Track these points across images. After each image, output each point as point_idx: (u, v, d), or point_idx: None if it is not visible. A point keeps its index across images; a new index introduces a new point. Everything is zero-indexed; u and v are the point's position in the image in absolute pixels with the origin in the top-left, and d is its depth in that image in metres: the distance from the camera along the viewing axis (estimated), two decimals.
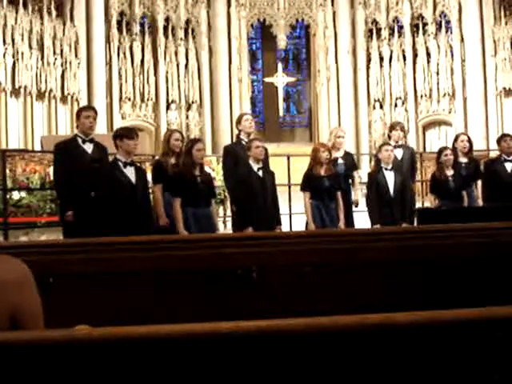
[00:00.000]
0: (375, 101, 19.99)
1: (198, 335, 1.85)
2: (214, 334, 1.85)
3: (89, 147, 6.98)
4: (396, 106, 19.83)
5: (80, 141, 6.97)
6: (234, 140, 9.63)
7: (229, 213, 9.57)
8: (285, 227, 8.42)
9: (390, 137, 8.92)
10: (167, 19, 19.53)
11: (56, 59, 17.19)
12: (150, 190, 7.44)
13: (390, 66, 19.89)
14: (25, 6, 16.82)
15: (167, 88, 19.28)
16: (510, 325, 1.99)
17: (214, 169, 12.08)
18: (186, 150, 7.22)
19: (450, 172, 8.25)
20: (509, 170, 8.28)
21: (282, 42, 20.41)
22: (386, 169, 7.98)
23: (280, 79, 20.87)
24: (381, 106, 19.96)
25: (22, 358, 1.80)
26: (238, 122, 8.21)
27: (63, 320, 2.31)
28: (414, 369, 1.96)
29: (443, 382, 1.97)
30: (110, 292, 4.02)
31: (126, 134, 6.79)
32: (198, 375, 1.86)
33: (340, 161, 8.44)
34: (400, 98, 19.79)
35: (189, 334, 1.85)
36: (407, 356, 1.96)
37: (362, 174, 13.77)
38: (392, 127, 9.05)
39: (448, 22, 19.61)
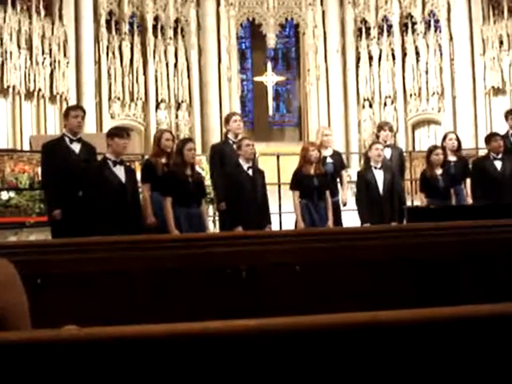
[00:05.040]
0: (365, 100, 20.03)
1: (185, 335, 1.84)
2: (202, 334, 1.84)
3: (76, 147, 6.95)
4: (385, 104, 19.88)
5: (67, 140, 6.95)
6: (222, 139, 9.62)
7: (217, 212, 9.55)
8: (274, 226, 8.42)
9: (378, 137, 8.93)
10: (156, 18, 19.50)
11: (45, 59, 17.14)
12: (140, 190, 7.42)
13: (380, 65, 19.93)
14: (13, 5, 16.77)
15: (156, 87, 19.25)
16: (498, 322, 2.00)
17: (204, 168, 12.06)
18: (177, 149, 7.23)
19: (439, 171, 8.27)
20: (499, 169, 8.30)
21: (271, 41, 20.42)
22: (376, 167, 7.99)
23: (269, 78, 20.87)
24: (370, 105, 19.99)
25: (8, 359, 1.78)
26: (226, 121, 8.21)
27: (52, 320, 2.30)
28: (402, 367, 1.96)
29: (432, 380, 1.98)
30: (99, 292, 4.00)
31: (116, 133, 6.79)
32: (186, 375, 1.85)
33: (329, 160, 8.45)
34: (389, 96, 19.83)
35: (176, 333, 1.84)
36: (396, 355, 1.96)
37: (352, 173, 13.80)
38: (380, 127, 9.06)
39: (437, 21, 19.66)
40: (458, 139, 8.82)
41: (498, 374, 1.98)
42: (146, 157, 8.59)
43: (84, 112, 7.21)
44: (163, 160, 7.36)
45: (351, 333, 1.94)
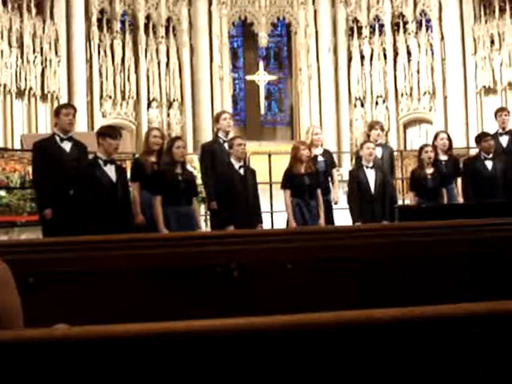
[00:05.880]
0: (356, 99, 20.04)
1: (176, 333, 1.84)
2: (192, 333, 1.84)
3: (67, 146, 6.93)
4: (377, 104, 19.89)
5: (58, 139, 6.92)
6: (212, 138, 9.62)
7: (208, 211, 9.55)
8: (266, 225, 8.43)
9: (369, 136, 8.95)
10: (148, 17, 19.45)
11: (36, 57, 17.07)
12: (131, 189, 7.42)
13: (371, 64, 19.94)
14: (4, 3, 16.69)
15: (148, 86, 19.21)
16: (489, 320, 2.00)
17: (196, 167, 12.04)
18: (167, 148, 7.23)
19: (429, 170, 8.30)
20: (489, 168, 8.34)
21: (263, 40, 20.41)
22: (367, 167, 8.01)
23: (261, 77, 20.87)
24: (362, 105, 20.01)
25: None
26: (216, 120, 8.21)
27: (43, 319, 2.29)
28: (395, 365, 1.96)
29: (426, 377, 1.98)
30: (90, 291, 4.00)
31: (109, 134, 6.77)
32: (176, 374, 1.85)
33: (320, 158, 8.47)
34: (381, 96, 19.85)
35: (167, 332, 1.84)
36: (389, 352, 1.96)
37: (343, 172, 13.81)
38: (371, 126, 9.09)
39: (428, 21, 19.70)
40: (449, 138, 8.85)
41: (491, 372, 1.99)
42: (137, 155, 8.59)
43: (75, 110, 7.20)
44: (153, 159, 7.36)
45: (343, 331, 1.95)
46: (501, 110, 9.16)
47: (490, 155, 8.37)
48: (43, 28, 17.40)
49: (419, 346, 1.96)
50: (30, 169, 10.31)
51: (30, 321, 2.07)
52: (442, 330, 1.98)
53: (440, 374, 1.97)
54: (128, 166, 9.95)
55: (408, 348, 1.96)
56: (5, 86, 16.45)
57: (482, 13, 18.77)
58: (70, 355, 1.81)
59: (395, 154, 9.97)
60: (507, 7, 18.39)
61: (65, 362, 1.80)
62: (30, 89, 16.97)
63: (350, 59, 20.12)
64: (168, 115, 19.44)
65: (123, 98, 18.91)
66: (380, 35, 19.95)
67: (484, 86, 18.67)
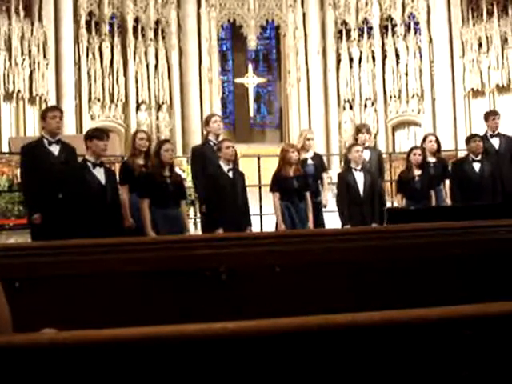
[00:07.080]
0: (345, 101, 20.11)
1: (165, 337, 1.83)
2: (181, 337, 1.83)
3: (55, 149, 6.90)
4: (366, 106, 19.98)
5: (46, 142, 6.89)
6: (202, 141, 9.62)
7: (199, 214, 9.54)
8: (255, 228, 8.42)
9: (356, 139, 8.96)
10: (137, 19, 19.46)
11: (24, 60, 17.04)
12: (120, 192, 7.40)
13: (360, 66, 20.04)
14: None
15: (137, 88, 19.21)
16: (478, 323, 2.00)
17: (185, 170, 12.03)
18: (155, 151, 7.22)
19: (417, 172, 8.31)
20: (477, 170, 8.35)
21: (252, 42, 20.46)
22: (356, 169, 8.02)
23: (250, 80, 20.91)
24: (350, 107, 20.08)
25: None
26: (206, 123, 8.20)
27: (30, 324, 2.27)
28: (383, 368, 1.96)
29: (411, 379, 1.98)
30: (79, 295, 3.98)
31: (96, 135, 6.75)
32: (165, 378, 1.84)
33: (309, 161, 8.46)
34: (369, 98, 19.93)
35: (156, 336, 1.83)
36: (375, 355, 1.96)
37: (332, 174, 13.83)
38: (358, 130, 9.09)
39: (417, 24, 19.80)
40: (437, 141, 8.87)
41: (478, 374, 1.99)
42: (125, 158, 8.58)
43: (61, 112, 7.16)
44: (140, 161, 7.35)
45: (331, 334, 1.94)
46: (493, 114, 9.14)
47: (479, 157, 8.38)
48: (31, 30, 17.37)
49: (405, 349, 1.96)
50: (17, 172, 10.28)
51: (16, 325, 2.06)
52: (429, 332, 1.98)
53: (425, 377, 1.97)
54: (117, 168, 9.93)
55: (395, 351, 1.96)
56: None
57: (470, 16, 18.88)
58: (58, 360, 1.79)
59: (384, 156, 9.98)
60: (495, 10, 18.49)
61: (52, 367, 1.79)
62: (18, 91, 16.93)
63: (338, 62, 20.20)
64: (157, 118, 19.45)
65: (112, 100, 18.90)
66: (369, 38, 20.04)
67: (472, 89, 18.77)
